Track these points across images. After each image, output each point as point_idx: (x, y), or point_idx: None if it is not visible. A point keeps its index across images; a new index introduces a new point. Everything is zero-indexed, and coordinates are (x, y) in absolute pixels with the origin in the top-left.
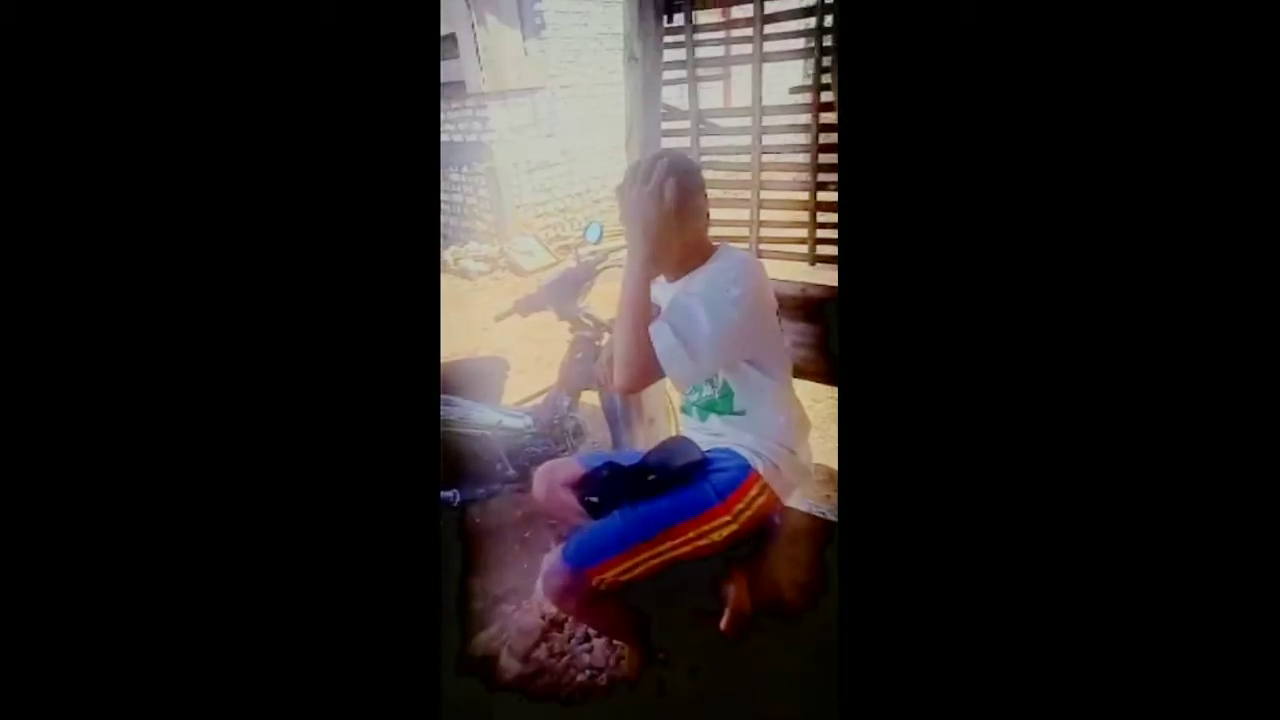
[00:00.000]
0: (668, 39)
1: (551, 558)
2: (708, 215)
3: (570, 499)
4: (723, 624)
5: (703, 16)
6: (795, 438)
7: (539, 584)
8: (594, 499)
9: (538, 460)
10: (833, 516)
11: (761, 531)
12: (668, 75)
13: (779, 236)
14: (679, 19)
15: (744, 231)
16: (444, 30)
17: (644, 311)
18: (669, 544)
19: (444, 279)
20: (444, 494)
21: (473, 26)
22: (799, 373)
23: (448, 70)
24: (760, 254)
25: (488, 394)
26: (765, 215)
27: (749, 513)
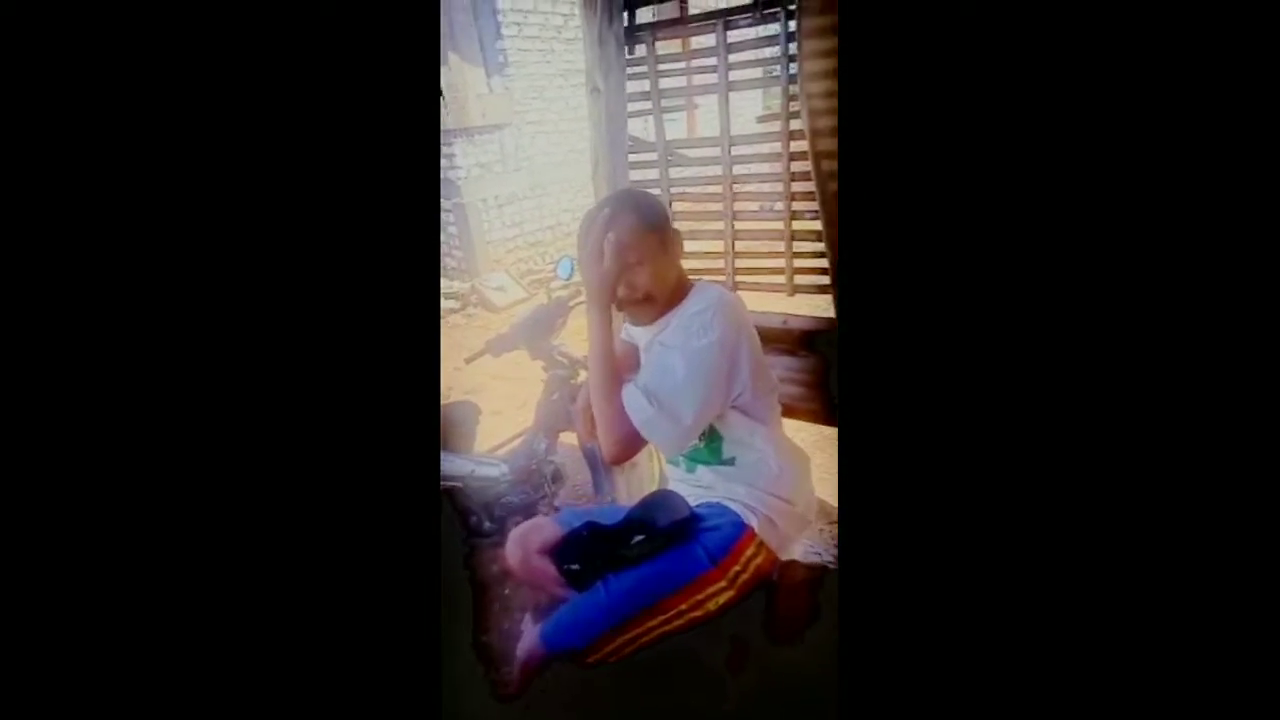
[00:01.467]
0: (630, 70)
1: (529, 640)
2: (673, 254)
3: (548, 567)
4: (728, 706)
5: (664, 47)
6: (791, 486)
7: (515, 667)
8: (575, 566)
9: (515, 510)
10: (828, 558)
11: (759, 593)
12: (632, 107)
13: (756, 267)
14: (640, 50)
15: (719, 264)
16: None
17: (612, 379)
18: (660, 618)
19: None
20: None
21: None
22: (787, 411)
23: None
24: (737, 286)
25: (459, 441)
26: (740, 246)
27: (746, 575)
